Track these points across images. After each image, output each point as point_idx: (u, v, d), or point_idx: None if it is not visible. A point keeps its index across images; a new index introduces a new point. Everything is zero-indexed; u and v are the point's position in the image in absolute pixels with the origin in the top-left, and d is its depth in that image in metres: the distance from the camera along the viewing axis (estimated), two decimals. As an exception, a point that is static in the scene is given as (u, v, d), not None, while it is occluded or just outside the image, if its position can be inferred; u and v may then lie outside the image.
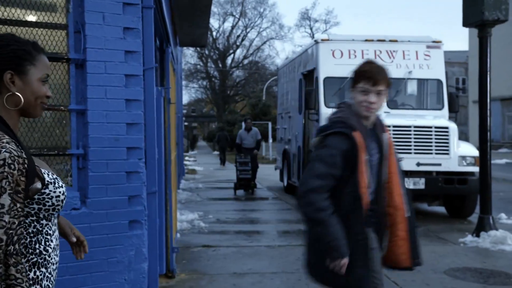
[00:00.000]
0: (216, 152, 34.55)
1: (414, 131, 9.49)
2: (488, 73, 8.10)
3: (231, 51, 65.27)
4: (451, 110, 10.96)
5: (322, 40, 11.20)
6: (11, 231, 1.54)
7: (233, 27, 64.03)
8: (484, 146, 8.09)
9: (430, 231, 8.75)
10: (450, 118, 11.11)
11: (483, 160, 8.09)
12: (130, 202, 3.51)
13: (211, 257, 6.77)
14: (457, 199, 10.02)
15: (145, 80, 3.76)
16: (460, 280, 5.92)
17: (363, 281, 2.79)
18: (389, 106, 10.89)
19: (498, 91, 40.77)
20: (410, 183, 9.34)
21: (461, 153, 9.59)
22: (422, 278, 5.96)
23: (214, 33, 63.73)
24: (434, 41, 11.35)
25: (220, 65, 64.24)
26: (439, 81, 11.32)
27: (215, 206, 11.61)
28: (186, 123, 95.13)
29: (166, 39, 5.73)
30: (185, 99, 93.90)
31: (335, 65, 11.03)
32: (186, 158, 35.07)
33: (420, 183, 9.39)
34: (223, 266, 6.36)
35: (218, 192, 14.31)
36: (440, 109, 11.18)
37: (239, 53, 65.74)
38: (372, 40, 11.30)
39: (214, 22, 63.69)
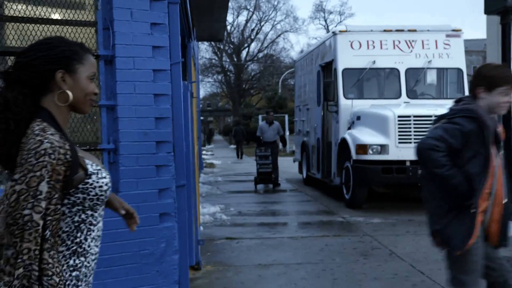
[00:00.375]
0: (233, 146, 34.59)
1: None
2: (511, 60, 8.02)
3: (245, 45, 65.20)
4: (471, 99, 10.88)
5: (340, 31, 11.17)
6: (48, 217, 1.65)
7: (247, 21, 63.96)
8: (507, 135, 8.01)
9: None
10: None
11: (506, 149, 8.03)
12: (160, 195, 3.58)
13: (235, 249, 6.85)
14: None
15: (172, 75, 3.81)
16: (485, 268, 5.91)
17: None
18: (408, 96, 10.88)
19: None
20: (431, 173, 9.31)
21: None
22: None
23: (228, 27, 63.84)
24: (453, 30, 11.27)
25: (235, 59, 64.19)
26: (459, 70, 11.25)
27: (236, 199, 11.69)
28: (202, 118, 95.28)
29: (188, 34, 5.78)
30: (201, 93, 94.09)
31: (353, 56, 11.01)
32: (204, 152, 35.29)
33: (442, 173, 9.35)
34: (248, 257, 6.43)
35: (238, 185, 14.38)
36: (460, 98, 11.12)
37: (253, 46, 65.70)
38: (391, 30, 11.25)
39: (228, 16, 63.48)
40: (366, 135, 9.75)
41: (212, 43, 64.16)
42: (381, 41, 11.11)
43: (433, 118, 9.45)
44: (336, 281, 5.50)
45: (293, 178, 15.66)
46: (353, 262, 6.18)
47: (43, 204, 1.63)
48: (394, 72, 11.10)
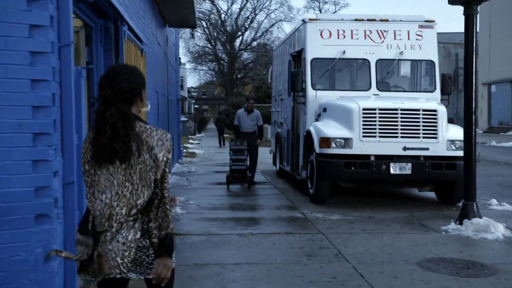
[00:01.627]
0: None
1: (401, 114, 9.12)
2: (474, 53, 7.70)
3: (239, 34, 64.66)
4: (443, 92, 10.56)
5: (310, 19, 10.82)
6: None
7: (241, 9, 63.39)
8: (469, 129, 7.72)
9: (415, 218, 8.43)
10: (442, 100, 10.71)
11: (468, 144, 7.73)
12: (37, 194, 3.24)
13: (177, 246, 6.51)
14: (447, 184, 9.65)
15: (61, 59, 3.45)
16: (431, 272, 5.61)
17: None
18: (379, 88, 10.56)
19: (509, 73, 39.98)
20: (396, 168, 9.01)
21: (450, 137, 9.22)
22: (392, 269, 5.66)
23: (222, 15, 63.32)
24: (426, 21, 10.93)
25: (228, 48, 63.66)
26: (431, 62, 10.92)
27: (201, 191, 11.37)
28: (196, 106, 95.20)
29: (120, 18, 5.43)
30: (195, 81, 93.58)
31: (323, 46, 10.66)
32: (190, 140, 34.92)
33: (407, 168, 9.05)
34: (187, 256, 6.12)
35: (210, 177, 14.06)
36: (432, 92, 10.80)
37: (247, 35, 65.25)
38: (362, 20, 10.90)
39: (222, 4, 63.04)
40: (330, 128, 9.42)
41: (206, 31, 64.04)
42: (352, 31, 10.75)
43: (399, 111, 9.27)
44: (269, 285, 5.19)
45: (268, 170, 15.33)
46: (295, 264, 5.87)
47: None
48: (365, 63, 10.76)
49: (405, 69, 11.25)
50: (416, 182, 9.83)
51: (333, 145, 9.15)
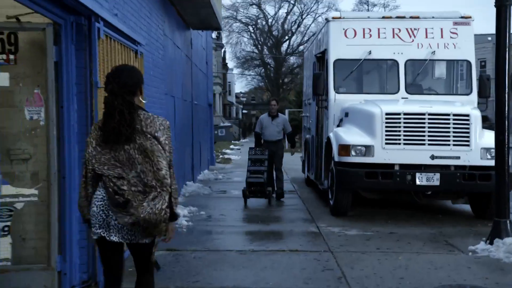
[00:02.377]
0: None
1: (429, 119, 8.27)
2: (507, 49, 6.81)
3: (286, 38, 64.12)
4: (481, 95, 9.60)
5: (333, 18, 10.09)
6: None
7: (287, 13, 62.79)
8: (501, 136, 6.83)
9: (442, 235, 7.58)
10: (480, 104, 9.78)
11: (500, 153, 6.84)
12: None
13: (166, 264, 5.94)
14: (483, 197, 8.71)
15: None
16: (444, 303, 4.83)
17: None
18: (408, 91, 9.72)
19: None
20: (422, 179, 8.17)
21: (484, 145, 8.29)
22: (398, 298, 4.92)
23: (269, 20, 62.94)
24: (462, 17, 10.00)
25: (275, 52, 63.28)
26: (467, 62, 9.99)
27: (219, 200, 10.81)
28: (245, 111, 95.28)
29: (93, 14, 4.94)
30: (242, 86, 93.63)
31: (347, 46, 9.92)
32: (231, 146, 34.55)
33: (435, 179, 8.19)
34: (171, 277, 5.53)
35: (235, 185, 13.45)
36: (468, 94, 9.86)
37: (294, 39, 64.53)
38: (390, 17, 10.12)
39: (269, 9, 62.73)
40: (350, 134, 8.68)
41: (252, 35, 63.82)
42: (379, 29, 9.96)
43: (426, 116, 8.42)
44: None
45: (299, 178, 14.66)
46: (288, 288, 5.21)
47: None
48: (393, 64, 9.94)
49: (439, 71, 10.32)
50: (446, 194, 8.94)
51: (353, 153, 8.39)
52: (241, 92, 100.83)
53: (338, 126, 9.45)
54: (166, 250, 6.52)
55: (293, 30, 63.42)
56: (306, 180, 13.29)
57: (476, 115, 8.38)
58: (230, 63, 73.73)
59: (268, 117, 10.96)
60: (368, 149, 8.35)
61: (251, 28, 64.00)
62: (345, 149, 8.47)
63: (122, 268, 3.55)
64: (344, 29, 9.95)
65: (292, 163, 17.94)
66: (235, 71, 74.42)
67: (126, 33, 6.01)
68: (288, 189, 12.53)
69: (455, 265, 6.03)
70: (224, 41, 65.67)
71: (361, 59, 9.79)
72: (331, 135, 9.10)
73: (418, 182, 8.18)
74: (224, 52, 69.64)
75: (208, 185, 12.90)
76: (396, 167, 8.32)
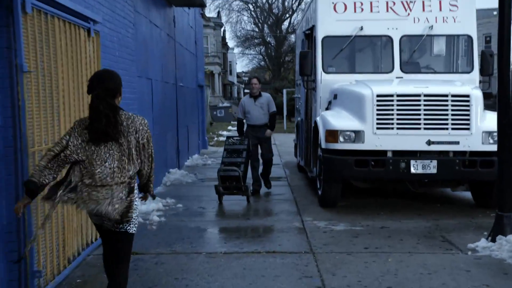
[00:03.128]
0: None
1: (425, 100, 7.48)
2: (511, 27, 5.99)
3: (287, 16, 62.93)
4: (483, 73, 8.78)
5: (322, -9, 9.22)
6: None
7: (288, -10, 61.50)
8: (504, 120, 6.04)
9: (438, 229, 6.85)
10: (483, 83, 8.98)
11: (502, 139, 6.06)
12: None
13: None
14: (486, 184, 7.95)
15: None
16: (437, 320, 4.10)
17: None
18: (404, 70, 8.91)
19: None
20: (418, 167, 7.41)
21: (486, 128, 7.50)
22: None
23: (269, -2, 61.63)
24: (463, -13, 9.11)
25: (277, 31, 62.22)
26: (468, 37, 9.13)
27: (202, 189, 10.06)
28: (247, 90, 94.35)
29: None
30: (243, 66, 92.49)
31: (337, 22, 9.08)
32: (229, 127, 33.74)
33: (431, 166, 7.42)
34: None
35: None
36: (468, 72, 9.03)
37: (295, 17, 63.29)
38: (384, -11, 9.21)
39: (270, -14, 61.45)
40: (338, 119, 7.90)
41: (253, 13, 62.65)
42: (371, 3, 9.09)
43: (422, 97, 7.60)
44: None
45: (292, 162, 13.91)
46: (255, 302, 4.49)
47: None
48: (386, 40, 9.11)
49: (438, 47, 9.48)
50: (445, 182, 8.18)
51: (341, 139, 7.62)
52: (243, 72, 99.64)
53: (326, 109, 8.67)
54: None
55: (294, 8, 62.11)
56: (298, 166, 12.54)
57: (477, 96, 7.57)
58: (231, 43, 72.71)
59: (250, 98, 9.68)
60: (357, 135, 7.57)
61: (251, 7, 62.98)
62: (332, 134, 7.69)
63: None
64: (333, 3, 9.09)
65: (286, 145, 17.25)
66: (236, 50, 73.47)
67: (71, 8, 5.20)
68: (278, 176, 11.81)
69: (452, 268, 5.29)
70: (223, 20, 64.69)
71: (352, 36, 8.95)
72: (318, 119, 8.33)
73: (413, 171, 7.41)
74: (224, 31, 68.57)
75: (194, 172, 12.16)
76: (389, 154, 7.55)
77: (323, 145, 7.84)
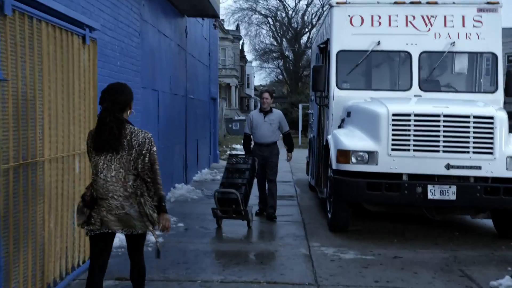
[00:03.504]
0: None
1: (445, 121, 6.97)
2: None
3: (306, 30, 62.80)
4: (508, 93, 8.26)
5: (337, 3, 8.76)
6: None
7: (308, 5, 61.39)
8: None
9: (457, 261, 6.31)
10: (506, 104, 8.45)
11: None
12: None
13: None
14: (510, 213, 7.40)
15: None
16: None
17: None
18: (422, 88, 8.41)
19: None
20: (435, 192, 6.89)
21: (511, 153, 6.97)
22: None
23: (290, 12, 61.59)
24: (488, 2, 8.60)
25: (296, 45, 62.11)
26: (493, 55, 8.61)
27: (207, 207, 9.42)
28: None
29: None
30: (261, 79, 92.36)
31: (352, 35, 8.62)
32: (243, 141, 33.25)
33: (450, 192, 6.89)
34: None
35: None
36: (492, 92, 8.49)
37: (313, 32, 63.00)
38: (404, 3, 8.72)
39: (289, 1, 61.49)
40: (351, 138, 7.42)
41: (272, 27, 62.53)
42: (389, 17, 8.62)
43: (442, 118, 7.09)
44: None
45: (303, 179, 13.43)
46: None
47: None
48: (405, 56, 8.63)
49: (460, 64, 8.98)
50: (464, 209, 7.63)
51: (353, 159, 7.13)
52: (260, 85, 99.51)
53: (339, 127, 8.20)
54: (115, 279, 5.38)
55: (313, 22, 61.91)
56: (310, 184, 12.04)
57: (501, 117, 7.03)
58: (249, 56, 72.68)
59: (260, 113, 8.82)
60: (371, 156, 7.08)
61: (270, 20, 62.99)
62: (344, 155, 7.21)
63: None
64: (349, 16, 8.64)
65: (299, 162, 16.76)
66: (254, 63, 73.52)
67: (62, 12, 4.83)
68: (289, 194, 11.33)
69: (471, 310, 4.77)
70: (242, 33, 64.70)
71: (368, 50, 8.49)
72: (329, 137, 7.85)
73: (430, 196, 6.89)
74: (243, 44, 68.57)
75: (201, 188, 11.72)
76: (404, 178, 7.04)
77: (334, 165, 7.36)
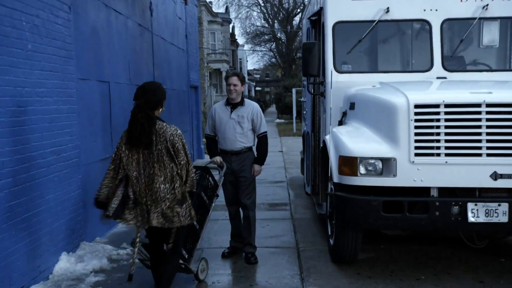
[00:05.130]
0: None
1: (488, 113, 4.97)
2: None
3: (297, 11, 60.81)
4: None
5: (333, -41, 6.71)
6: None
7: (299, -15, 59.24)
8: None
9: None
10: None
11: None
12: None
13: None
14: None
15: None
16: None
17: None
18: (447, 67, 6.42)
19: None
20: (479, 213, 4.93)
21: None
22: None
23: (280, -9, 59.45)
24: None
25: (288, 26, 60.24)
26: (536, 21, 6.60)
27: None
28: (259, 88, 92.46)
29: None
30: (254, 63, 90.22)
31: (352, 2, 6.60)
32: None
33: (500, 213, 4.93)
34: None
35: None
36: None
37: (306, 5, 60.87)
38: (419, -45, 6.69)
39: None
40: (357, 139, 5.43)
41: (263, 8, 60.33)
42: (402, -23, 6.60)
43: (483, 108, 4.88)
44: None
45: (298, 179, 11.48)
46: None
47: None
48: (422, 26, 6.64)
49: (491, 35, 6.95)
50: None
51: (362, 170, 5.14)
52: (254, 69, 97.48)
53: (340, 123, 6.22)
54: None
55: (305, 2, 59.71)
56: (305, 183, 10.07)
57: None
58: (240, 39, 70.65)
59: (226, 107, 6.01)
60: (387, 164, 5.09)
61: (260, 1, 61.14)
62: (349, 163, 5.22)
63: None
64: (348, -24, 6.62)
65: (295, 153, 14.92)
66: (246, 47, 71.67)
67: None
68: (280, 201, 9.37)
69: None
70: (232, 16, 62.51)
71: (374, 21, 6.48)
72: (327, 138, 5.84)
73: (471, 219, 4.92)
74: (233, 27, 66.33)
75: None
76: (434, 193, 5.08)
77: (336, 178, 5.38)
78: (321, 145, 6.46)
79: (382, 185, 5.09)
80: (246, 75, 78.43)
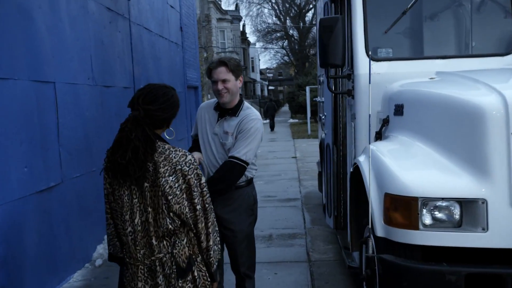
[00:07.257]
0: (266, 121, 31.40)
1: None
2: None
3: (310, 6, 59.33)
4: None
5: None
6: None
7: (311, -21, 57.68)
8: None
9: None
10: None
11: None
12: None
13: None
14: None
15: None
16: None
17: None
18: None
19: None
20: None
21: None
22: None
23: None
24: None
25: (300, 23, 58.78)
26: None
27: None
28: (272, 87, 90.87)
29: None
30: (266, 61, 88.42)
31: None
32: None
33: None
34: None
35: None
36: None
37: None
38: None
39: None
40: (414, 166, 3.33)
41: (274, 5, 58.62)
42: None
43: None
44: None
45: (315, 194, 9.41)
46: None
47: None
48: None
49: None
50: None
51: (427, 219, 3.04)
52: (267, 68, 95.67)
53: (377, 136, 4.11)
54: None
55: (317, -2, 57.90)
56: (324, 207, 7.97)
57: None
58: (252, 38, 69.15)
59: (214, 112, 3.77)
60: (470, 210, 3.00)
61: (272, -1, 60.02)
62: (404, 207, 3.12)
63: None
64: None
65: (310, 159, 12.93)
66: (258, 45, 70.34)
67: None
68: (293, 230, 7.29)
69: None
70: (243, 13, 60.94)
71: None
72: (361, 159, 3.74)
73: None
74: (244, 25, 64.50)
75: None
76: (551, 257, 2.97)
77: (380, 229, 3.27)
78: (351, 169, 4.34)
79: (462, 246, 2.98)
80: (258, 74, 76.49)
